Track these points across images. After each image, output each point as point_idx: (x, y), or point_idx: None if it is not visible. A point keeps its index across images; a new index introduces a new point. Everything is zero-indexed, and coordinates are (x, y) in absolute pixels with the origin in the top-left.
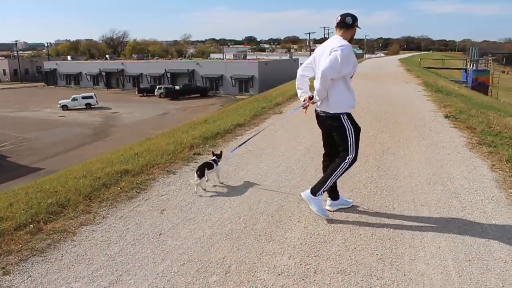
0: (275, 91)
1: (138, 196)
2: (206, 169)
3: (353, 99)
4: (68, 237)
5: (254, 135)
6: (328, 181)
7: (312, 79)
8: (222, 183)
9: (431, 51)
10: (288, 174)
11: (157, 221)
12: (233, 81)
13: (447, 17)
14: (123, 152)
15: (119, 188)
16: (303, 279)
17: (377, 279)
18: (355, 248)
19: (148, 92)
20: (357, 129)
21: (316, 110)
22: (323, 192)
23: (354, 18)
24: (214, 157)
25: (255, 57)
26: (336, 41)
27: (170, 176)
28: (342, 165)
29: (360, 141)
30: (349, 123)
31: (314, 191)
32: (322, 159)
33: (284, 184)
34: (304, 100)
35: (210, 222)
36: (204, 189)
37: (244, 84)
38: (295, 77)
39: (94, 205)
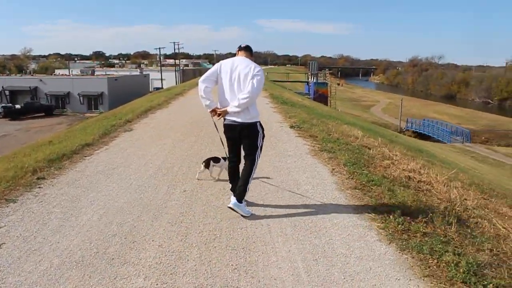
0: (125, 108)
1: None
2: (212, 161)
3: None
4: None
5: None
6: (248, 185)
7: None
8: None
9: (276, 66)
10: (140, 193)
11: None
12: (81, 98)
13: (290, 34)
14: None
15: None
16: None
17: None
18: (210, 261)
19: None
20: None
21: (230, 122)
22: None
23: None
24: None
25: (104, 73)
26: (251, 63)
27: (9, 205)
28: (254, 167)
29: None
30: (262, 129)
31: (240, 199)
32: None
33: (136, 203)
34: (211, 111)
35: (58, 251)
36: (199, 179)
37: (93, 101)
38: (146, 93)
39: None
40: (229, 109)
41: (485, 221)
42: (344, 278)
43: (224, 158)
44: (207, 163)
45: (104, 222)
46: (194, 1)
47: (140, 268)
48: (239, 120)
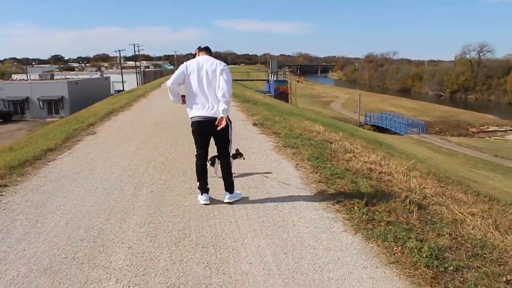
0: (87, 112)
1: None
2: (217, 159)
3: None
4: None
5: None
6: (233, 179)
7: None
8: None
9: (237, 65)
10: (106, 195)
11: None
12: (41, 103)
13: (249, 33)
14: None
15: None
16: None
17: (206, 286)
18: (181, 260)
19: None
20: None
21: (203, 118)
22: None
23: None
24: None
25: (64, 77)
26: (216, 60)
27: None
28: (231, 161)
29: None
30: (230, 122)
31: (232, 191)
32: (195, 161)
33: (103, 206)
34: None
35: (25, 258)
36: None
37: (53, 105)
38: (107, 96)
39: None
40: (222, 114)
41: (443, 207)
42: (314, 269)
43: (233, 155)
44: (212, 162)
45: (71, 227)
46: (152, 3)
47: (111, 271)
48: (210, 115)
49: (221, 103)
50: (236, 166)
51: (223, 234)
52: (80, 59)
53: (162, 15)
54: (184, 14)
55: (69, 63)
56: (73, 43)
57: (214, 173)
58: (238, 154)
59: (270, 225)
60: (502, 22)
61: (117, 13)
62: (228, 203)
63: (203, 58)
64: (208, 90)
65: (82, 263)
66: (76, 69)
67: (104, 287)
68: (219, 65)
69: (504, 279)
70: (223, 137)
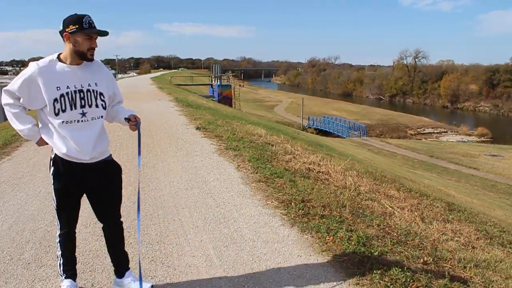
0: None
1: None
2: None
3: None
4: None
5: None
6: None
7: None
8: None
9: (180, 69)
10: (50, 199)
11: None
12: None
13: (192, 37)
14: None
15: None
16: None
17: (151, 278)
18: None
19: None
20: None
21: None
22: None
23: (64, 22)
24: None
25: None
26: None
27: None
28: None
29: None
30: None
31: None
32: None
33: (48, 209)
34: None
35: None
36: None
37: None
38: None
39: None
40: None
41: (375, 202)
42: (253, 260)
43: None
44: None
45: (15, 230)
46: (87, 5)
47: (58, 269)
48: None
49: None
50: (180, 168)
51: (167, 231)
52: (14, 62)
53: (102, 18)
54: (125, 16)
55: (1, 67)
56: (4, 46)
57: None
58: None
59: (212, 222)
60: (434, 29)
61: (49, 14)
62: None
63: None
64: None
65: (29, 263)
66: (9, 73)
67: (52, 283)
68: None
69: (422, 260)
70: None
